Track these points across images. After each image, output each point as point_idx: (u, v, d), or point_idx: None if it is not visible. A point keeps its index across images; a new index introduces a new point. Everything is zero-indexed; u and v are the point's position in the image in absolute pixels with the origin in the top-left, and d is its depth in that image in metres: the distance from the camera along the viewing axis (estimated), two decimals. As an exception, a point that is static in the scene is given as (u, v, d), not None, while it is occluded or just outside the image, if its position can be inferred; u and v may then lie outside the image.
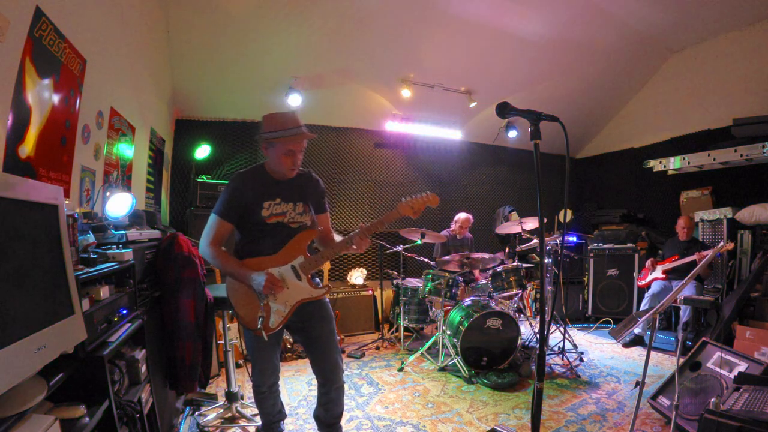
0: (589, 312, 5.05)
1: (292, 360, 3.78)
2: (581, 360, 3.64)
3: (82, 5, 2.03)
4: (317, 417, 2.08)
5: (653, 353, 3.72)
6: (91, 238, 1.63)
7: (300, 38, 3.91)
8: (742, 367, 2.25)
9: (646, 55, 4.92)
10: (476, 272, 4.27)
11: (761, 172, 4.35)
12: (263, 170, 1.94)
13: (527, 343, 3.81)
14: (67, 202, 1.70)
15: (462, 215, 4.56)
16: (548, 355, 3.62)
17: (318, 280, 2.00)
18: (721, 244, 3.22)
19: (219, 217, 1.84)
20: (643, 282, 4.38)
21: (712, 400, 1.80)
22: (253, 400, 2.77)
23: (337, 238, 2.05)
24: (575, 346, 3.86)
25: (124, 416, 1.51)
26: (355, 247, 1.87)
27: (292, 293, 1.87)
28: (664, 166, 4.88)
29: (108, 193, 2.36)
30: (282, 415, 2.17)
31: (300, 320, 1.94)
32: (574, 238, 5.34)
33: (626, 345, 4.13)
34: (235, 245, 1.98)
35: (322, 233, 2.05)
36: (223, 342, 2.71)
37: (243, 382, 3.22)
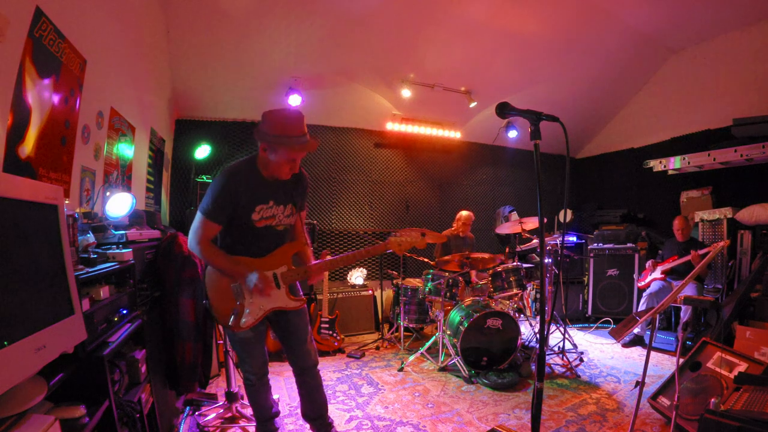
0: (589, 312, 5.05)
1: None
2: (581, 360, 3.64)
3: (82, 5, 2.03)
4: (305, 414, 2.10)
5: (653, 353, 3.72)
6: (91, 238, 1.63)
7: (300, 38, 3.91)
8: (742, 367, 2.25)
9: (646, 55, 4.91)
10: (473, 273, 4.26)
11: (761, 172, 4.35)
12: (255, 168, 1.84)
13: (527, 343, 3.81)
14: (67, 202, 1.71)
15: (464, 213, 4.56)
16: (548, 355, 3.62)
17: (297, 290, 2.03)
18: (720, 243, 3.22)
19: (207, 218, 1.77)
20: (643, 283, 4.38)
21: (712, 400, 1.80)
22: (253, 400, 2.79)
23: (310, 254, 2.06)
24: (575, 346, 3.86)
25: (124, 416, 1.51)
26: (308, 280, 1.94)
27: (269, 299, 1.87)
28: (664, 166, 4.88)
29: (108, 193, 2.36)
30: (276, 411, 2.17)
31: (275, 319, 1.98)
32: (574, 238, 5.34)
33: (626, 345, 4.13)
34: (219, 241, 1.91)
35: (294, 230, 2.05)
36: (223, 342, 2.70)
37: (243, 382, 3.22)
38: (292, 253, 1.95)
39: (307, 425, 2.50)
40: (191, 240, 1.81)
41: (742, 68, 4.40)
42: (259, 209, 1.83)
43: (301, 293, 2.06)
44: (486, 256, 3.90)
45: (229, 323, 1.81)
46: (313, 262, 1.99)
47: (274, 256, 1.89)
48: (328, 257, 1.98)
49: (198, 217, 1.80)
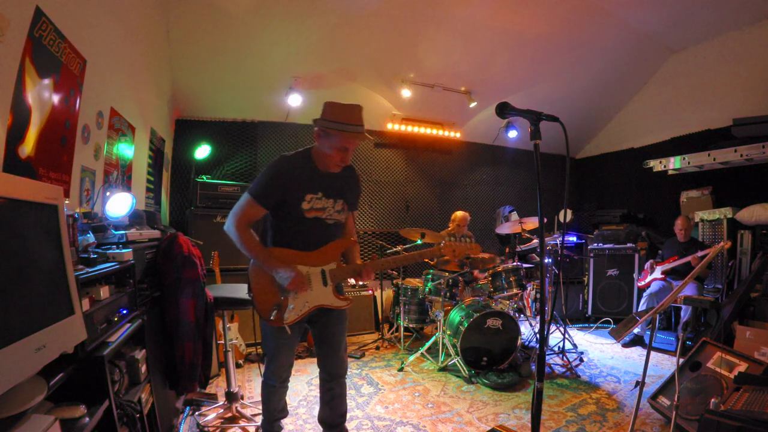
0: (589, 312, 5.05)
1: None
2: (581, 360, 3.64)
3: (82, 5, 2.03)
4: (323, 420, 2.05)
5: (653, 353, 3.72)
6: (91, 238, 1.63)
7: (300, 38, 3.91)
8: (742, 367, 2.25)
9: (646, 55, 4.91)
10: (475, 272, 4.26)
11: (761, 172, 4.35)
12: (310, 158, 1.82)
13: (527, 343, 3.81)
14: (67, 202, 1.70)
15: (459, 213, 4.56)
16: (548, 355, 3.62)
17: (342, 290, 1.98)
18: (721, 244, 3.22)
19: (253, 199, 1.73)
20: (643, 283, 4.38)
21: (712, 400, 1.81)
22: (253, 401, 2.79)
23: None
24: (575, 346, 3.86)
25: (124, 416, 1.51)
26: (358, 278, 1.88)
27: (314, 296, 1.83)
28: (664, 166, 4.88)
29: (108, 193, 2.36)
30: (285, 412, 2.14)
31: (316, 319, 1.92)
32: (574, 238, 5.34)
33: (626, 345, 4.13)
34: (264, 230, 1.89)
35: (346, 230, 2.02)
36: (223, 342, 2.71)
37: (243, 382, 3.22)
38: (341, 250, 1.90)
39: (308, 425, 2.50)
40: (229, 220, 1.75)
41: (742, 68, 4.39)
42: (310, 198, 1.77)
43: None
44: (486, 255, 3.90)
45: (271, 317, 1.75)
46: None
47: (324, 252, 1.85)
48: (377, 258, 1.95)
49: (243, 197, 1.76)
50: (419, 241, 3.99)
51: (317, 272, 1.84)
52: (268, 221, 1.86)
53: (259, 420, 2.50)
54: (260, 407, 2.63)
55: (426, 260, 4.27)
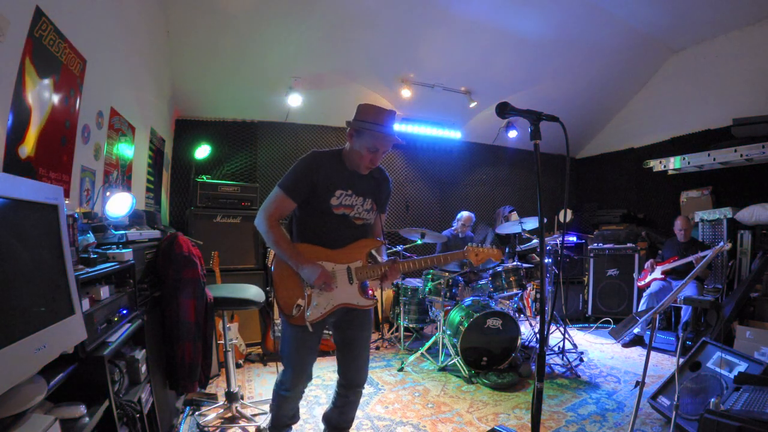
0: (589, 312, 5.05)
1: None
2: (581, 360, 3.64)
3: (82, 5, 2.03)
4: (328, 419, 2.03)
5: (653, 353, 3.72)
6: (91, 238, 1.63)
7: (300, 38, 3.91)
8: (742, 367, 2.25)
9: (646, 55, 4.92)
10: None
11: (761, 172, 4.35)
12: (340, 157, 1.83)
13: (527, 343, 3.81)
14: (67, 202, 1.70)
15: (465, 213, 4.57)
16: (548, 355, 3.62)
17: (368, 289, 1.93)
18: (721, 244, 3.22)
19: (284, 192, 1.73)
20: (643, 283, 4.38)
21: (712, 400, 1.81)
22: (253, 401, 2.79)
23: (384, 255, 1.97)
24: (575, 346, 3.86)
25: (124, 416, 1.51)
26: (383, 280, 1.84)
27: (339, 294, 1.80)
28: (664, 166, 4.88)
29: (108, 193, 2.36)
30: (296, 419, 2.07)
31: (340, 320, 1.88)
32: (574, 238, 5.34)
33: (626, 345, 4.13)
34: (290, 225, 1.88)
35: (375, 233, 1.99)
36: (223, 342, 2.71)
37: (243, 382, 3.22)
38: (368, 250, 1.87)
39: (308, 425, 2.50)
40: (259, 215, 1.75)
41: (742, 68, 4.40)
42: (339, 194, 1.77)
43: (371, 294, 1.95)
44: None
45: (293, 313, 1.71)
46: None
47: (350, 250, 1.83)
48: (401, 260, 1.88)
49: (274, 191, 1.76)
50: (419, 241, 3.99)
51: (343, 269, 1.81)
52: (295, 217, 1.85)
53: (259, 420, 2.51)
54: (260, 407, 2.64)
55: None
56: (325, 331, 2.07)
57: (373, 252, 1.91)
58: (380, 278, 1.84)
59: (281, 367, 1.92)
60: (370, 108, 1.77)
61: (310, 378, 1.91)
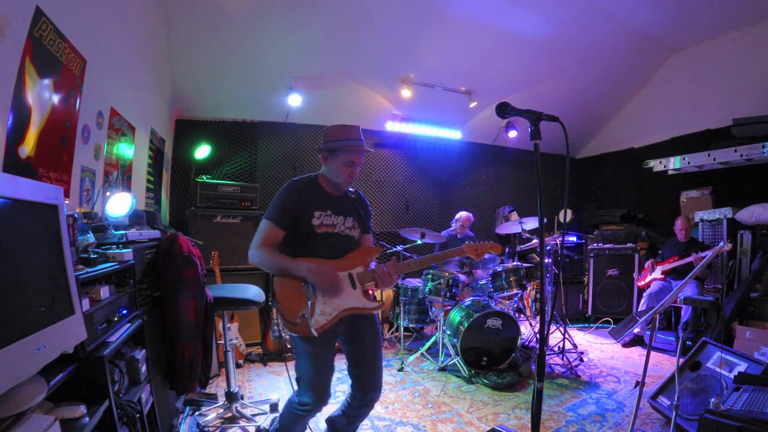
0: (589, 312, 5.05)
1: (293, 360, 3.78)
2: (581, 360, 3.64)
3: (82, 5, 2.03)
4: (333, 424, 2.02)
5: (653, 353, 3.72)
6: (91, 238, 1.63)
7: (300, 38, 3.91)
8: (742, 367, 2.25)
9: (646, 55, 4.91)
10: (476, 272, 4.26)
11: (761, 172, 4.35)
12: (317, 182, 1.92)
13: (527, 343, 3.81)
14: (67, 202, 1.71)
15: (463, 214, 4.57)
16: (548, 355, 3.62)
17: (373, 294, 1.96)
18: (721, 244, 3.22)
19: (270, 222, 1.79)
20: (643, 283, 4.38)
21: (712, 400, 1.81)
22: (253, 401, 2.79)
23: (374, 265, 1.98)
24: (575, 346, 3.86)
25: (124, 416, 1.51)
26: (377, 284, 1.85)
27: (343, 300, 1.80)
28: (664, 166, 4.88)
29: (108, 193, 2.36)
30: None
31: (349, 335, 1.89)
32: (574, 238, 5.34)
33: (626, 345, 4.13)
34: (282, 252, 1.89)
35: None
36: (223, 342, 2.71)
37: (243, 382, 3.22)
38: (367, 257, 1.90)
39: (309, 424, 2.50)
40: (251, 249, 1.78)
41: (742, 68, 4.40)
42: (318, 215, 1.83)
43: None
44: (486, 256, 3.89)
45: (297, 321, 1.70)
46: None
47: (349, 258, 1.86)
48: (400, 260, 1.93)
49: (261, 223, 1.82)
50: (419, 241, 3.98)
51: (345, 276, 1.83)
52: (285, 245, 1.86)
53: (259, 420, 2.51)
54: (260, 407, 2.65)
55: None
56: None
57: (370, 259, 1.95)
58: (380, 280, 1.85)
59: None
60: (337, 128, 1.90)
61: (330, 396, 1.86)
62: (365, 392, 1.90)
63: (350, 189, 1.98)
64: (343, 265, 1.84)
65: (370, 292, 1.95)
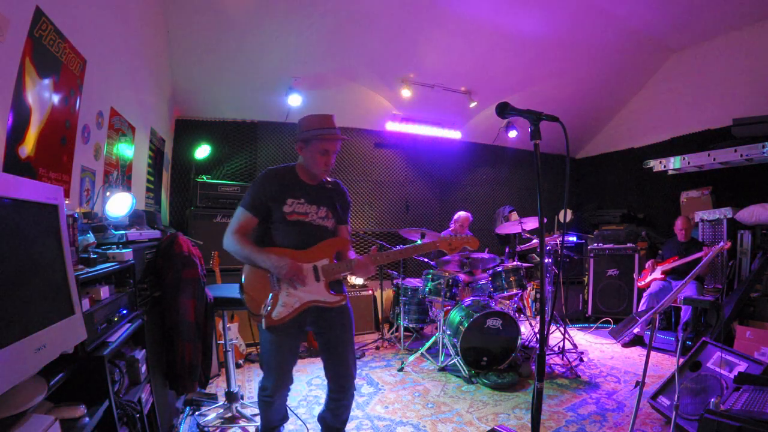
0: (589, 312, 5.05)
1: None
2: (581, 360, 3.64)
3: (82, 5, 2.03)
4: (323, 419, 2.05)
5: (653, 353, 3.72)
6: (91, 238, 1.63)
7: (300, 38, 3.91)
8: (742, 367, 2.25)
9: (646, 55, 4.91)
10: (476, 271, 4.26)
11: (761, 172, 4.35)
12: (293, 171, 1.94)
13: (527, 343, 3.81)
14: (67, 202, 1.71)
15: (462, 214, 4.57)
16: (548, 355, 3.62)
17: (340, 287, 1.96)
18: (721, 244, 3.22)
19: (244, 209, 1.84)
20: (643, 283, 4.38)
21: (712, 400, 1.80)
22: (253, 401, 2.79)
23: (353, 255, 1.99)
24: (575, 346, 3.86)
25: (124, 416, 1.51)
26: (351, 273, 1.87)
27: (306, 292, 1.83)
28: (664, 166, 4.88)
29: (108, 193, 2.36)
30: (285, 419, 2.10)
31: (319, 323, 1.91)
32: (574, 238, 5.34)
33: (626, 345, 4.13)
34: (255, 240, 1.93)
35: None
36: (223, 342, 2.71)
37: (243, 382, 3.22)
38: (335, 249, 1.91)
39: (308, 424, 2.50)
40: (226, 233, 1.83)
41: (742, 68, 4.39)
42: (291, 202, 1.85)
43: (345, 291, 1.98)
44: (486, 255, 3.90)
45: (261, 311, 1.76)
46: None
47: (316, 250, 1.87)
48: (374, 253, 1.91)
49: (236, 211, 1.86)
50: (419, 242, 3.98)
51: (309, 268, 1.85)
52: (258, 231, 1.90)
53: (259, 420, 2.51)
54: (260, 407, 2.64)
55: (423, 257, 4.28)
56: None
57: (341, 251, 1.97)
58: (349, 272, 1.89)
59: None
60: (312, 117, 1.90)
61: (291, 382, 1.95)
62: (337, 381, 1.95)
63: (327, 179, 1.98)
64: (309, 257, 1.86)
65: (345, 282, 1.95)
